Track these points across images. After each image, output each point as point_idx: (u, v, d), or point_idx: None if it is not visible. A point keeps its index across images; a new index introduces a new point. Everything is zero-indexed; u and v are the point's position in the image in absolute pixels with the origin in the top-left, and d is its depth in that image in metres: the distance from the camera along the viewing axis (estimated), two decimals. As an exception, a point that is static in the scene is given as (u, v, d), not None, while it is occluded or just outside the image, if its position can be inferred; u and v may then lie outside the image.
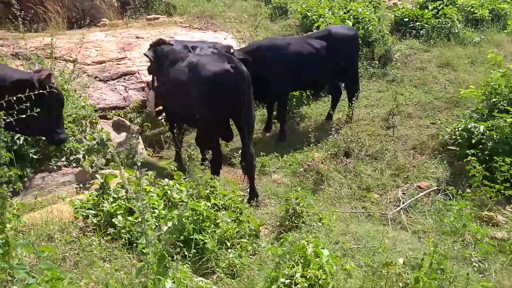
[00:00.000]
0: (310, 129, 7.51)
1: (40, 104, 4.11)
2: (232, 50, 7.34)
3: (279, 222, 4.99)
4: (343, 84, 9.00)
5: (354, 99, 8.67)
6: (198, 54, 6.80)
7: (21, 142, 5.54)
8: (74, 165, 6.01)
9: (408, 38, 11.59)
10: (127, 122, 7.46)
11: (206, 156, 7.34)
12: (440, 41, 11.11)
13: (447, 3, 11.97)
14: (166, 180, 4.66)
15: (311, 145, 7.52)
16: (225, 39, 11.81)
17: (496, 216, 6.26)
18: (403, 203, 6.59)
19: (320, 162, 7.34)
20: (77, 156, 6.06)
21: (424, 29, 11.46)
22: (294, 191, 5.01)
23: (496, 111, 7.27)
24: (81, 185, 5.85)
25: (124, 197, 4.35)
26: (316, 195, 6.69)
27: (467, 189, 6.81)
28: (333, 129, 8.23)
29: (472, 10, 12.11)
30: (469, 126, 6.95)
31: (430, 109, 8.93)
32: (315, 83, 8.47)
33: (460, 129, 7.03)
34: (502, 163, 6.18)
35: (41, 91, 4.23)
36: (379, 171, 7.27)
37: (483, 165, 6.73)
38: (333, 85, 8.80)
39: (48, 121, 4.94)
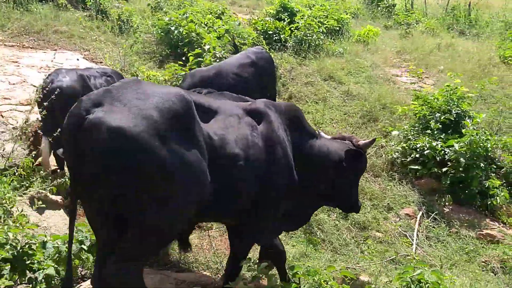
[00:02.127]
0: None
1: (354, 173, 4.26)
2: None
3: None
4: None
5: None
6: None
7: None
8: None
9: (273, 52, 11.18)
10: (52, 196, 5.13)
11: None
12: (310, 54, 11.02)
13: (302, 15, 11.96)
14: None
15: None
16: (78, 60, 9.53)
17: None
18: (407, 236, 6.15)
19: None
20: None
21: (292, 42, 11.20)
22: (413, 265, 3.92)
23: (434, 123, 7.36)
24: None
25: None
26: (318, 245, 5.77)
27: (444, 209, 6.78)
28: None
29: (321, 21, 12.38)
30: (434, 144, 6.87)
31: (347, 125, 8.67)
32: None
33: (426, 147, 6.88)
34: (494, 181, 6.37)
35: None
36: (357, 204, 6.66)
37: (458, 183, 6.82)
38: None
39: (355, 189, 4.47)
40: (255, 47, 9.06)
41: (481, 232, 6.26)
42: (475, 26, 16.61)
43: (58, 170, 6.52)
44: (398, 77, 10.75)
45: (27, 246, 3.68)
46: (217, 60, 8.85)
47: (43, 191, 5.05)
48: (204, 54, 9.05)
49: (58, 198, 5.20)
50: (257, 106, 3.69)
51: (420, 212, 6.60)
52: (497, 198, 6.55)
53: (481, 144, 6.58)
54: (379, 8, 17.62)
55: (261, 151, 3.43)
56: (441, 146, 6.89)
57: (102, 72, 6.90)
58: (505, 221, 6.60)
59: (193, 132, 2.96)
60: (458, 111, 7.38)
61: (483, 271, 5.60)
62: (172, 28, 10.28)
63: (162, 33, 10.53)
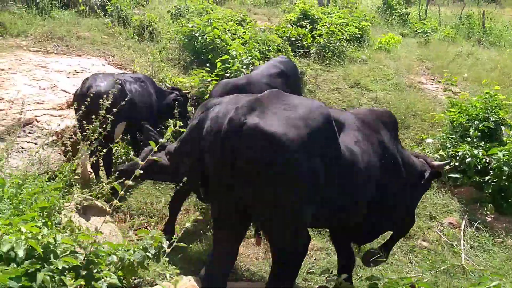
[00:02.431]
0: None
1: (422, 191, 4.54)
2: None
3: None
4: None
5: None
6: None
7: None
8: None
9: (297, 58, 11.08)
10: (97, 203, 5.00)
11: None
12: (334, 60, 10.93)
13: (324, 22, 11.87)
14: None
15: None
16: (103, 65, 9.43)
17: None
18: (453, 245, 6.01)
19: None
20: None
21: (315, 49, 11.10)
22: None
23: (473, 131, 7.23)
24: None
25: None
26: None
27: (486, 218, 6.64)
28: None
29: (342, 28, 12.29)
30: (475, 152, 6.75)
31: (378, 133, 8.55)
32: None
33: (468, 155, 6.75)
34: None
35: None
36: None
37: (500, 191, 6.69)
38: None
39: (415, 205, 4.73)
40: (279, 56, 9.01)
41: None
42: (489, 35, 16.57)
43: (91, 176, 6.43)
44: (423, 84, 10.65)
45: (92, 254, 3.53)
46: (244, 67, 8.76)
47: (90, 197, 4.92)
48: (231, 60, 8.94)
49: (105, 204, 5.06)
50: (366, 116, 3.86)
51: (464, 222, 6.46)
52: (540, 208, 6.43)
53: (524, 153, 6.47)
54: (393, 17, 17.57)
55: (379, 165, 3.63)
56: (482, 154, 6.76)
57: (136, 78, 6.88)
58: (548, 231, 6.47)
59: (331, 143, 3.19)
60: (496, 119, 7.26)
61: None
62: (196, 35, 10.19)
63: (185, 40, 10.44)
